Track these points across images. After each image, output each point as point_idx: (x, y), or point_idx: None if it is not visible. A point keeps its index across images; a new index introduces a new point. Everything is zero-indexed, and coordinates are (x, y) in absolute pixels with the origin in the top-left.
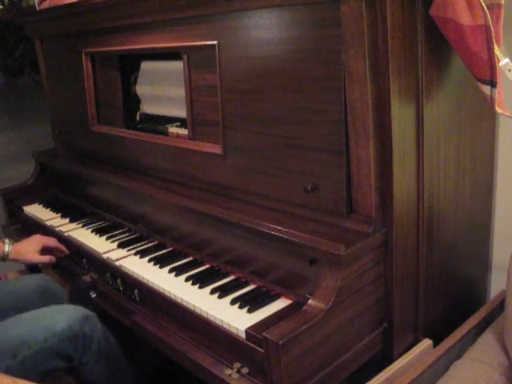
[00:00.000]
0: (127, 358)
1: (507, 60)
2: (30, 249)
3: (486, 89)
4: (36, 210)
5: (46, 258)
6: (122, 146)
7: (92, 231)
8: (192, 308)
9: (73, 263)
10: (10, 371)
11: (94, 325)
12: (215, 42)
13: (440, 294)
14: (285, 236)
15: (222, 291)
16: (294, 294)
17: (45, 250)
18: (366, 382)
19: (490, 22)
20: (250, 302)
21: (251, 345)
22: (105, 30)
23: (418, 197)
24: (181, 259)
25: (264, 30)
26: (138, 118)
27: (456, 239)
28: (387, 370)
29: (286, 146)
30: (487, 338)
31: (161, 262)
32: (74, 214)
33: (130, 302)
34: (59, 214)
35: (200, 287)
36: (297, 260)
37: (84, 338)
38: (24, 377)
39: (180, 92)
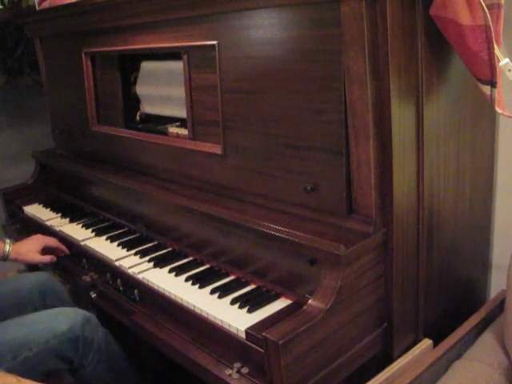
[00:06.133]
0: (128, 358)
1: (507, 60)
2: (31, 249)
3: (486, 89)
4: (36, 210)
5: (47, 258)
6: (122, 145)
7: (92, 231)
8: (192, 308)
9: (73, 263)
10: (10, 372)
11: (94, 327)
12: (215, 42)
13: (440, 293)
14: (285, 236)
15: (222, 291)
16: (294, 293)
17: (45, 250)
18: (366, 382)
19: (490, 22)
20: (250, 302)
21: (251, 345)
22: (105, 30)
23: (418, 197)
24: (181, 259)
25: (264, 30)
26: (137, 118)
27: (456, 239)
28: (387, 370)
29: (286, 146)
30: (487, 338)
31: (161, 261)
32: (73, 213)
33: (129, 302)
34: (59, 214)
35: (200, 287)
36: (297, 260)
37: (85, 341)
38: (24, 377)
39: (180, 92)
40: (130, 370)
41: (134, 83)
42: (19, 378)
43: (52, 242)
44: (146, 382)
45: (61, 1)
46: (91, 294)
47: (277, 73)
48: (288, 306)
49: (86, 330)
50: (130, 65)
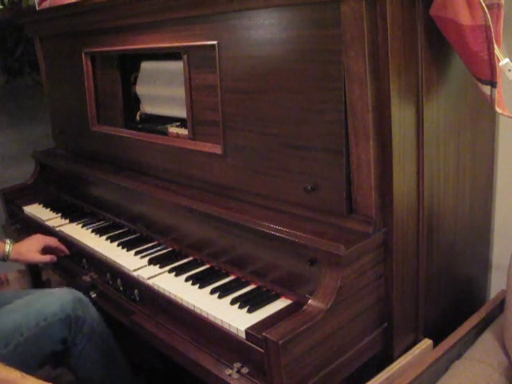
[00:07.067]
0: (126, 357)
1: (507, 60)
2: (31, 248)
3: (486, 89)
4: (36, 210)
5: (47, 258)
6: (122, 145)
7: (92, 231)
8: (192, 308)
9: (73, 263)
10: (3, 360)
11: (86, 307)
12: (215, 42)
13: (440, 293)
14: (285, 236)
15: (222, 291)
16: (294, 293)
17: (45, 250)
18: (366, 382)
19: (490, 22)
20: (250, 302)
21: (251, 345)
22: (105, 30)
23: (418, 197)
24: (181, 259)
25: (264, 30)
26: (137, 117)
27: (456, 239)
28: (387, 370)
29: (286, 146)
30: (487, 338)
31: (161, 261)
32: (73, 214)
33: (129, 302)
34: (59, 214)
35: (200, 287)
36: (297, 260)
37: (77, 320)
38: (19, 364)
39: (180, 92)
40: (125, 361)
41: (134, 83)
42: (24, 374)
43: (52, 241)
44: (145, 382)
45: (61, 1)
46: (91, 293)
47: (277, 73)
48: (288, 306)
49: (78, 310)
50: (130, 65)
